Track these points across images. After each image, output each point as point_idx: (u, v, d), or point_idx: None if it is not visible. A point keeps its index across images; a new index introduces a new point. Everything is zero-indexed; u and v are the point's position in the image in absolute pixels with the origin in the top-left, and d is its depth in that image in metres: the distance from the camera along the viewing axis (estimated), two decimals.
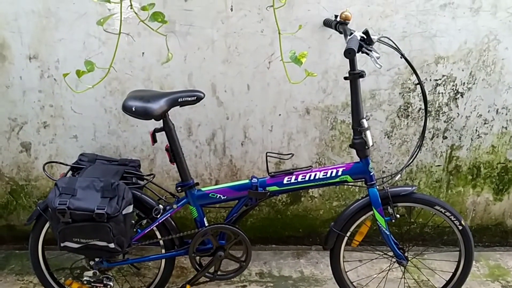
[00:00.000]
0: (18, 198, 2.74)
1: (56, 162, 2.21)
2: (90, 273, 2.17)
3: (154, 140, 2.07)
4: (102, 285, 2.18)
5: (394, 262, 2.25)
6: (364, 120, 1.98)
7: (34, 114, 2.52)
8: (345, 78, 1.97)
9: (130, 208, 1.97)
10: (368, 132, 1.99)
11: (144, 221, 2.18)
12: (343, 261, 2.26)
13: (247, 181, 2.13)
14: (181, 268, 2.68)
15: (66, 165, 2.16)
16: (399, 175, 2.21)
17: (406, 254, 2.22)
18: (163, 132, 2.04)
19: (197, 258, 2.23)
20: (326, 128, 2.60)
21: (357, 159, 2.07)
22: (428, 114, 2.47)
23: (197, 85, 2.46)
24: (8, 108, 2.50)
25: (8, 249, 2.85)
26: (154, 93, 2.06)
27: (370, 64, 2.34)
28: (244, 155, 2.67)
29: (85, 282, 2.18)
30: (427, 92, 2.47)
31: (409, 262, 2.24)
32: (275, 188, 2.11)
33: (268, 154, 2.14)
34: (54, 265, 2.33)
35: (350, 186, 2.74)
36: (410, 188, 2.12)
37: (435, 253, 2.78)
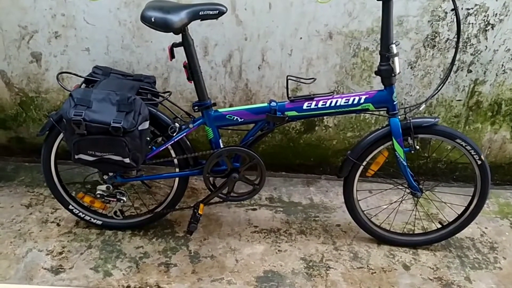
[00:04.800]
0: (28, 110, 2.69)
1: (70, 73, 2.12)
2: (103, 187, 2.17)
3: (172, 56, 1.99)
4: (115, 199, 2.18)
5: (408, 193, 2.25)
6: (393, 46, 1.89)
7: (45, 23, 2.41)
8: None
9: (146, 124, 1.93)
10: (396, 59, 1.91)
11: (159, 139, 2.13)
12: (356, 190, 2.25)
13: (265, 104, 2.07)
14: (192, 189, 2.68)
15: (80, 76, 2.08)
16: (424, 105, 2.14)
17: (420, 186, 2.21)
18: (180, 49, 1.95)
19: (211, 179, 2.22)
20: (348, 55, 2.50)
21: (376, 89, 2.00)
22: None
23: (216, 0, 2.32)
24: (18, 15, 2.39)
25: (17, 161, 2.85)
26: (174, 4, 1.94)
27: None
28: (260, 80, 2.59)
29: (98, 196, 2.18)
30: None
31: (423, 194, 2.23)
32: (294, 113, 2.05)
33: (289, 77, 2.05)
34: (65, 179, 2.32)
35: (366, 117, 2.68)
36: (432, 120, 2.06)
37: (445, 187, 2.77)
